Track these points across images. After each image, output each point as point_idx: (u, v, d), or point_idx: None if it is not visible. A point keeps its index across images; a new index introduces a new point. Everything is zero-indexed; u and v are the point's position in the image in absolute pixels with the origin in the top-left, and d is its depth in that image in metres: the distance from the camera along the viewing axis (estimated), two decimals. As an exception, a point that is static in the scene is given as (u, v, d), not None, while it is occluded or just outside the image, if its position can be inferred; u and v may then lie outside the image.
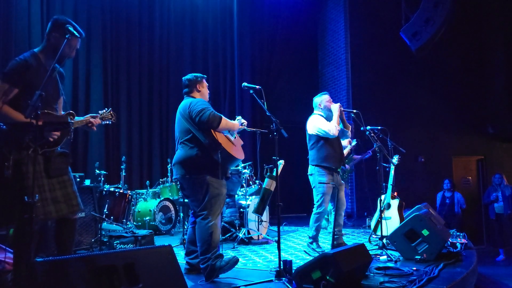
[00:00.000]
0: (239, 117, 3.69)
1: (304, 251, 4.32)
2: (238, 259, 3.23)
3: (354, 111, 4.49)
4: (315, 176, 4.30)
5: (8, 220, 2.51)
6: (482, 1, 10.04)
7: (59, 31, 2.67)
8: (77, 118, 2.80)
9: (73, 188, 2.75)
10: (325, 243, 4.95)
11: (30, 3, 6.38)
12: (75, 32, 2.62)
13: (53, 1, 6.76)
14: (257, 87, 3.48)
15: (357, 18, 9.22)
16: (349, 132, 4.58)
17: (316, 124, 4.34)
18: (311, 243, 4.31)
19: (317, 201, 4.27)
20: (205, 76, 3.62)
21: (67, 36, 2.61)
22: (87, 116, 2.87)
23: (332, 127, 4.23)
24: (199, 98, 3.41)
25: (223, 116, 3.26)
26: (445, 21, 7.22)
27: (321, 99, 4.50)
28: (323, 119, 4.38)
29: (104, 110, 2.99)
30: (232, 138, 3.44)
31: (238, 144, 3.50)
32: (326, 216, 6.03)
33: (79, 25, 2.82)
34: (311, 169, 4.38)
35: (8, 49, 5.98)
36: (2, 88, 2.50)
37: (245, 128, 3.76)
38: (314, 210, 4.29)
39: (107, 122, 3.00)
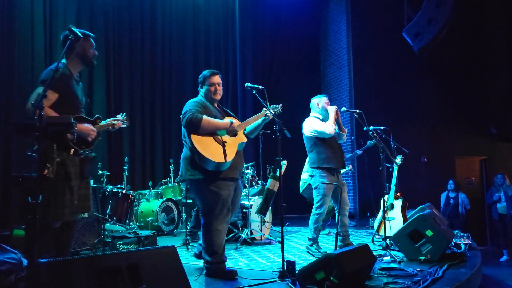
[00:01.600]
0: (277, 106, 3.49)
1: (308, 251, 4.30)
2: (236, 278, 3.20)
3: (357, 111, 4.48)
4: (316, 177, 4.27)
5: (51, 219, 2.64)
6: (485, 1, 10.01)
7: (76, 40, 2.76)
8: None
9: (89, 190, 2.94)
10: (330, 244, 4.94)
11: (33, 4, 6.39)
12: (78, 32, 2.67)
13: (56, 2, 6.77)
14: (260, 87, 3.42)
15: (359, 18, 9.21)
16: (345, 136, 4.55)
17: (311, 126, 4.32)
18: (311, 245, 4.27)
19: (317, 202, 4.25)
20: (216, 72, 3.45)
21: (70, 37, 2.68)
22: (109, 120, 3.01)
23: (328, 127, 4.20)
24: (195, 98, 3.37)
25: (204, 117, 3.13)
26: (448, 21, 7.22)
27: (320, 100, 4.48)
28: (318, 120, 4.36)
29: (120, 115, 3.13)
30: (222, 139, 3.22)
31: (230, 145, 3.23)
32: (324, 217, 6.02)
33: (81, 26, 2.89)
34: (311, 171, 4.36)
35: (11, 50, 5.99)
36: (43, 93, 2.56)
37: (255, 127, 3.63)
38: (314, 211, 4.27)
39: (123, 126, 3.13)
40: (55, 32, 6.63)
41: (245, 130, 3.49)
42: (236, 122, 3.28)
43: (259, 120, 3.43)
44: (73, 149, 2.68)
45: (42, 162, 2.49)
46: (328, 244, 4.96)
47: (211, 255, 3.20)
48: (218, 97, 3.41)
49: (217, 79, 3.41)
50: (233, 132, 3.26)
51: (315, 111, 4.47)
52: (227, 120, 3.29)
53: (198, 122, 3.09)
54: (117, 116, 3.12)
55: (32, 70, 6.25)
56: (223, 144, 3.20)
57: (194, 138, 3.12)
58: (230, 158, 3.17)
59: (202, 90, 3.42)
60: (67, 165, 2.66)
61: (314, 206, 4.28)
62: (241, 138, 3.37)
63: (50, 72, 2.67)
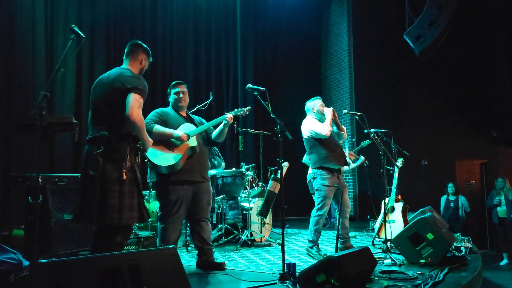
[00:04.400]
0: (242, 110, 3.74)
1: (308, 254, 4.29)
2: None
3: (358, 113, 4.47)
4: (318, 179, 4.27)
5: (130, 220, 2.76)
6: (486, 4, 10.02)
7: (145, 52, 3.08)
8: None
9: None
10: (331, 247, 4.93)
11: (34, 4, 6.38)
12: (80, 33, 2.68)
13: (57, 2, 6.76)
14: (262, 88, 3.48)
15: (360, 21, 9.22)
16: (344, 135, 4.55)
17: (308, 126, 4.34)
18: (311, 247, 4.25)
19: (318, 204, 4.24)
20: (180, 82, 3.80)
21: (71, 37, 2.68)
22: None
23: (323, 128, 4.22)
24: (161, 108, 3.71)
25: (155, 127, 3.43)
26: (449, 24, 7.20)
27: (314, 103, 4.50)
28: (315, 121, 4.38)
29: None
30: (174, 144, 3.44)
31: (179, 150, 3.45)
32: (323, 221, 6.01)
33: (83, 26, 2.90)
34: (313, 172, 4.36)
35: (12, 50, 5.98)
36: (141, 101, 2.77)
37: (248, 130, 3.75)
38: (314, 213, 4.26)
39: None
40: (56, 33, 6.62)
41: (212, 135, 3.73)
42: (181, 132, 3.47)
43: (221, 126, 3.65)
44: (139, 155, 2.82)
45: (119, 165, 2.61)
46: (328, 246, 4.95)
47: None
48: (183, 104, 3.70)
49: (181, 87, 3.72)
50: (179, 140, 3.43)
51: (310, 114, 4.49)
52: (174, 130, 3.48)
53: (149, 132, 3.35)
54: None
55: (33, 70, 6.24)
56: (172, 150, 3.44)
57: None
58: (177, 160, 3.40)
59: (170, 100, 3.74)
60: (136, 170, 2.77)
61: (314, 208, 4.28)
62: (190, 144, 3.52)
63: (141, 82, 2.81)
